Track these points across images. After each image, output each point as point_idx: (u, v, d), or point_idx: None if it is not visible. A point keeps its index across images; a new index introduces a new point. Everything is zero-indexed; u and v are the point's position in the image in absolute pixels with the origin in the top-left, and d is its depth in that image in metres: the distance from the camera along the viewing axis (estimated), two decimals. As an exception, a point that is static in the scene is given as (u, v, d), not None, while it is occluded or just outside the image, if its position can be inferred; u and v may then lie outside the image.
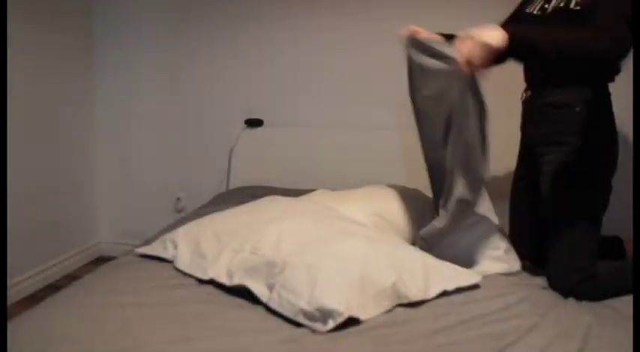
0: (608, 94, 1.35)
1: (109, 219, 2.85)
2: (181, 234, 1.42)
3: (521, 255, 1.48)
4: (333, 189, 2.26)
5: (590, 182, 1.31)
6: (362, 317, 1.08)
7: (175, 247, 1.39)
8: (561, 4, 1.30)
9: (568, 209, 1.32)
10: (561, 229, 1.32)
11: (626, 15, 1.17)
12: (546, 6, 1.36)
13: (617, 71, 1.34)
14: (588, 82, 1.33)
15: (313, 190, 2.28)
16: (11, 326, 1.03)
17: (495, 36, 1.16)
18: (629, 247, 1.56)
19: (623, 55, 1.19)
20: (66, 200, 2.57)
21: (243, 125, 2.52)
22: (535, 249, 1.46)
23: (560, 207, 1.34)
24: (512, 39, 1.18)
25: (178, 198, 2.71)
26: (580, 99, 1.32)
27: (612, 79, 1.35)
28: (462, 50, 1.18)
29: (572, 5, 1.27)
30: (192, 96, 2.62)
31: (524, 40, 1.20)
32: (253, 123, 2.51)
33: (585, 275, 1.28)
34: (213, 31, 2.53)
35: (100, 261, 2.72)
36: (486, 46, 1.16)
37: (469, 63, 1.18)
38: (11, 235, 2.18)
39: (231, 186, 2.51)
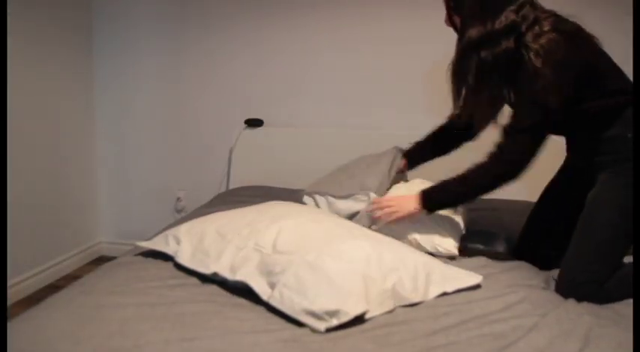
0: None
1: (109, 219, 2.85)
2: (184, 230, 1.42)
3: (525, 255, 1.49)
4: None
5: (630, 194, 1.26)
6: (365, 317, 1.08)
7: (178, 243, 1.39)
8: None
9: (608, 216, 1.29)
10: (592, 232, 1.30)
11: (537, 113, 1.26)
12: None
13: (621, 93, 1.32)
14: (610, 118, 1.31)
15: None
16: (11, 326, 1.03)
17: (409, 211, 1.43)
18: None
19: (526, 170, 1.29)
20: (66, 200, 2.58)
21: (243, 125, 2.52)
22: (540, 250, 1.46)
23: (600, 214, 1.30)
24: (426, 207, 1.42)
25: (178, 198, 2.71)
26: (626, 127, 1.30)
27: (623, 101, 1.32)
28: (376, 212, 1.48)
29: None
30: (192, 96, 2.62)
31: (438, 204, 1.44)
32: (253, 123, 2.51)
33: (594, 278, 1.26)
34: (213, 31, 2.53)
35: (100, 260, 2.72)
36: (401, 219, 1.45)
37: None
38: (11, 235, 2.18)
39: (231, 186, 2.52)
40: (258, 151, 2.50)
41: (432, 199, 1.42)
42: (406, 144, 2.32)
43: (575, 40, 1.25)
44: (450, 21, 1.41)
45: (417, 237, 1.49)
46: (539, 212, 1.58)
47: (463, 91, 1.39)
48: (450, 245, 1.47)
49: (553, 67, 1.21)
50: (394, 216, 1.45)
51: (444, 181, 1.41)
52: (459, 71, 1.37)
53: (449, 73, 1.40)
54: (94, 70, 2.71)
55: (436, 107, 2.34)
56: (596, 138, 1.33)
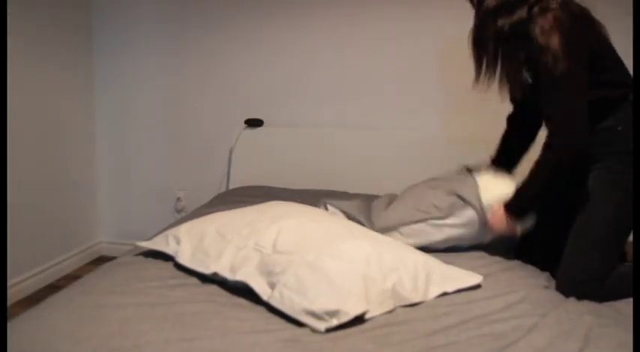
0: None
1: (109, 219, 2.85)
2: (184, 230, 1.42)
3: (524, 256, 1.49)
4: (333, 190, 2.27)
5: (628, 192, 1.28)
6: (365, 317, 1.08)
7: (178, 243, 1.39)
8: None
9: (604, 213, 1.30)
10: (589, 230, 1.31)
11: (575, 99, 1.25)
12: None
13: (627, 88, 1.32)
14: (606, 109, 1.32)
15: (313, 190, 2.28)
16: (11, 326, 1.03)
17: (505, 228, 1.43)
18: (629, 249, 1.55)
19: (583, 142, 1.26)
20: (66, 200, 2.57)
21: (243, 125, 2.52)
22: (539, 252, 1.46)
23: (597, 211, 1.31)
24: (515, 219, 1.41)
25: (178, 198, 2.71)
26: (617, 119, 1.31)
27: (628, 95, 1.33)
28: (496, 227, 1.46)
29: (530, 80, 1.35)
30: (192, 96, 2.62)
31: (523, 213, 1.41)
32: (253, 123, 2.51)
33: (593, 276, 1.27)
34: (213, 31, 2.53)
35: (100, 260, 2.72)
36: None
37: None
38: (11, 235, 2.18)
39: (231, 186, 2.51)
40: (258, 151, 2.50)
41: (516, 211, 1.41)
42: (406, 143, 2.33)
43: (580, 22, 1.25)
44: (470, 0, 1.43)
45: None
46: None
47: (483, 61, 1.40)
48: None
49: (559, 36, 1.22)
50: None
51: (518, 189, 1.41)
52: (479, 40, 1.39)
53: (469, 42, 1.41)
54: (94, 70, 2.71)
55: (436, 107, 2.35)
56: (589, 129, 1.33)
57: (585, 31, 1.27)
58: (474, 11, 1.41)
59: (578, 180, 1.36)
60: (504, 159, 1.68)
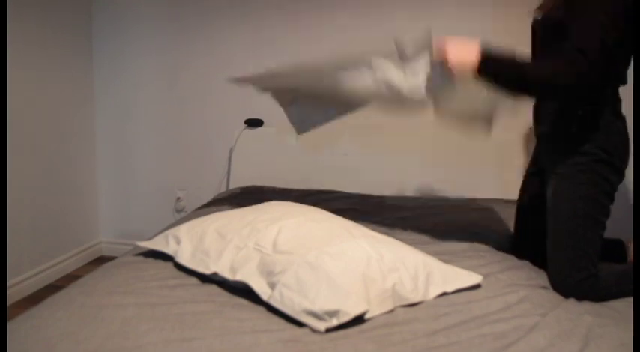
0: (617, 100, 1.32)
1: (110, 219, 2.85)
2: (184, 230, 1.42)
3: (522, 254, 1.49)
4: (333, 190, 2.27)
5: (596, 185, 1.28)
6: (365, 317, 1.08)
7: (178, 243, 1.39)
8: (546, 14, 1.32)
9: (573, 209, 1.31)
10: (565, 228, 1.32)
11: (601, 38, 1.16)
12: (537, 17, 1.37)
13: (622, 82, 1.31)
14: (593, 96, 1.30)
15: (313, 190, 2.29)
16: (11, 326, 1.03)
17: (462, 69, 1.26)
18: (630, 250, 1.55)
19: (586, 87, 1.19)
20: (66, 200, 2.57)
21: (243, 125, 2.52)
22: (535, 249, 1.46)
23: (565, 207, 1.32)
24: (480, 72, 1.24)
25: (178, 198, 2.71)
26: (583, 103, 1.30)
27: (615, 89, 1.32)
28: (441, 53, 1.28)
29: (552, 15, 1.29)
30: (192, 96, 2.62)
31: (490, 75, 1.25)
32: (253, 123, 2.51)
33: (587, 274, 1.27)
34: (213, 31, 2.53)
35: (100, 260, 2.72)
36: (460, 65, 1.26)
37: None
38: (11, 235, 2.18)
39: (231, 186, 2.52)
40: (258, 151, 2.50)
41: (488, 67, 1.25)
42: (406, 143, 2.33)
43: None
44: None
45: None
46: (524, 211, 1.58)
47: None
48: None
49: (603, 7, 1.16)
50: (446, 64, 1.29)
51: (505, 55, 1.26)
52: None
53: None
54: (94, 70, 2.71)
55: (436, 107, 2.35)
56: (564, 109, 1.33)
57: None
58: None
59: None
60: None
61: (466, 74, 1.26)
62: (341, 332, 1.03)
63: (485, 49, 1.26)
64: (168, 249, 1.39)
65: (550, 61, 1.23)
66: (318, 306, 1.05)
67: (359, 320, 1.07)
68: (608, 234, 1.34)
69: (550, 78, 1.19)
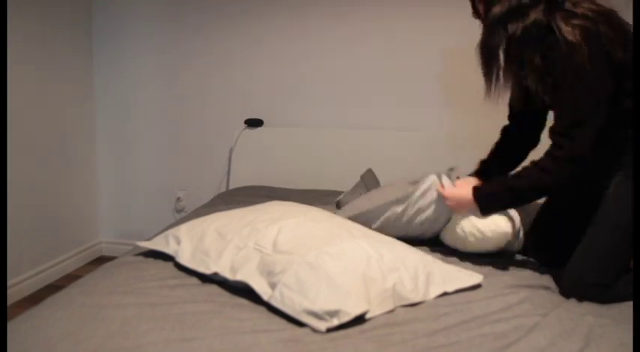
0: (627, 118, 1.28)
1: (110, 219, 2.85)
2: (184, 230, 1.42)
3: (530, 252, 1.49)
4: (333, 190, 2.26)
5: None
6: (365, 316, 1.08)
7: (178, 243, 1.39)
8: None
9: (621, 219, 1.26)
10: (604, 234, 1.28)
11: (589, 107, 1.19)
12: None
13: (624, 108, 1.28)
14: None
15: (313, 190, 2.29)
16: (11, 326, 1.03)
17: (466, 209, 1.41)
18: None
19: (588, 161, 1.21)
20: (66, 200, 2.57)
21: (243, 125, 2.52)
22: (547, 249, 1.46)
23: (615, 216, 1.28)
24: (480, 205, 1.37)
25: (178, 198, 2.71)
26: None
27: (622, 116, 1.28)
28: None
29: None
30: (192, 96, 2.62)
31: (494, 209, 1.39)
32: (253, 123, 2.51)
33: (601, 281, 1.25)
34: (214, 31, 2.53)
35: (100, 260, 2.72)
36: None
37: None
38: (11, 235, 2.18)
39: (231, 186, 2.52)
40: (258, 151, 2.50)
41: (488, 205, 1.37)
42: (405, 143, 2.33)
43: (606, 25, 1.20)
44: (475, 12, 1.38)
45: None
46: (547, 209, 1.56)
47: (494, 72, 1.34)
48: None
49: (585, 39, 1.16)
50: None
51: (500, 183, 1.35)
52: (488, 50, 1.32)
53: (478, 54, 1.35)
54: (94, 70, 2.71)
55: (437, 107, 2.35)
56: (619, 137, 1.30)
57: (611, 41, 1.20)
58: (480, 23, 1.36)
59: (598, 185, 1.33)
60: (492, 167, 1.63)
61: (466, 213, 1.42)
62: (341, 332, 1.03)
63: (480, 191, 1.38)
64: (169, 249, 1.39)
65: (539, 166, 1.27)
66: (319, 306, 1.05)
67: (359, 320, 1.07)
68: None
69: (550, 182, 1.27)
